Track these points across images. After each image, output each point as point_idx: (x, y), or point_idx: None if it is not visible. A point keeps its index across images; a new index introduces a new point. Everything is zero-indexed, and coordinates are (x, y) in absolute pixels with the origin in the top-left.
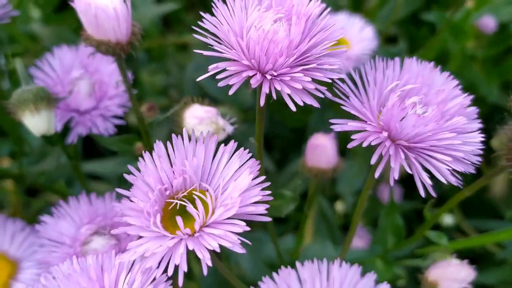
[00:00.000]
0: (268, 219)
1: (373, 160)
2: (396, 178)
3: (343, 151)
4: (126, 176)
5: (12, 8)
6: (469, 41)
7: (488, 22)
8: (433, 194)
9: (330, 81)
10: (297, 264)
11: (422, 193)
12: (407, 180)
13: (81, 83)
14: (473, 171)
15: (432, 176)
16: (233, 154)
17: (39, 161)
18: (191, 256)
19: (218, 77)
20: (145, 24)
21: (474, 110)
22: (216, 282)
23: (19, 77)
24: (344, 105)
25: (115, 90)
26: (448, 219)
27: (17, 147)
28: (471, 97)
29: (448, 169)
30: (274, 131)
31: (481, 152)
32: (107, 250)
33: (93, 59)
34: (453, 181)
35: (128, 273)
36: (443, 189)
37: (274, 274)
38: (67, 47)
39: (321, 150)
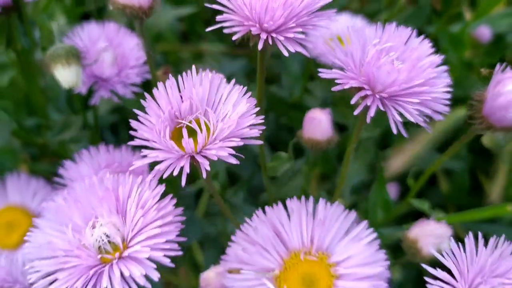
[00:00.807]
0: (261, 142)
1: (353, 101)
2: (372, 115)
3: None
4: (142, 102)
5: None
6: (467, 50)
7: (484, 32)
8: (404, 133)
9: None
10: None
11: (394, 130)
12: (403, 179)
13: (105, 54)
14: (441, 118)
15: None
16: (233, 89)
17: (60, 132)
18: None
19: (224, 24)
20: (162, 27)
21: (443, 68)
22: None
23: (54, 37)
24: (332, 59)
25: (135, 62)
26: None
27: (43, 122)
28: (443, 57)
29: (417, 112)
30: (279, 136)
31: (446, 101)
32: None
33: (117, 35)
34: (420, 121)
35: (139, 187)
36: (442, 196)
37: (266, 207)
38: (95, 22)
39: (316, 122)
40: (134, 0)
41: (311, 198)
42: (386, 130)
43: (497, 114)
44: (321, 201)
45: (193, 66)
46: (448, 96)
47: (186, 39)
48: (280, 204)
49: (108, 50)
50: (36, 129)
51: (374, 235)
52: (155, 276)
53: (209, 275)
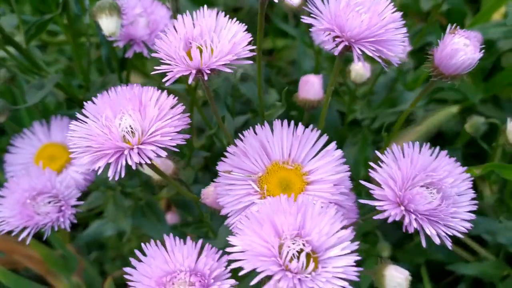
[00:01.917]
0: (251, 62)
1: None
2: (339, 52)
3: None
4: (160, 34)
5: None
6: None
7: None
8: (362, 62)
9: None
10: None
11: (356, 61)
12: None
13: (140, 18)
14: (397, 61)
15: None
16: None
17: (98, 90)
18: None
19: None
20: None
21: (402, 22)
22: None
23: None
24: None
25: (164, 27)
26: None
27: (85, 83)
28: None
29: (374, 49)
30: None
31: (403, 45)
32: None
33: (151, 5)
34: (376, 56)
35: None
36: None
37: (256, 126)
38: None
39: (310, 85)
40: None
41: (292, 122)
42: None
43: (444, 63)
44: (300, 125)
45: (205, 6)
46: (405, 41)
47: None
48: (267, 124)
49: (143, 16)
50: (78, 88)
51: (340, 152)
52: (163, 153)
53: (208, 189)
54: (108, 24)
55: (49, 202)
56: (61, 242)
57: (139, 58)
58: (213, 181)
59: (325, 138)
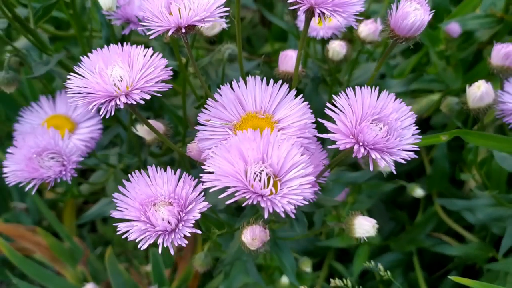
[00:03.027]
0: (223, 20)
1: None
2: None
3: None
4: None
5: None
6: (442, 45)
7: (454, 28)
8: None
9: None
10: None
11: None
12: None
13: (136, 0)
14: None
15: None
16: None
17: None
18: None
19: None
20: None
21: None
22: None
23: None
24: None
25: None
26: (419, 191)
27: None
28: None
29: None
30: None
31: (359, 7)
32: None
33: None
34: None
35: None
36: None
37: (233, 82)
38: None
39: (288, 58)
40: None
41: (264, 79)
42: None
43: (398, 25)
44: (271, 80)
45: None
46: (361, 3)
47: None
48: (241, 80)
49: None
50: None
51: (306, 103)
52: (147, 97)
53: (192, 144)
54: (105, 0)
55: (52, 158)
56: (68, 235)
57: (135, 36)
58: None
59: (293, 92)
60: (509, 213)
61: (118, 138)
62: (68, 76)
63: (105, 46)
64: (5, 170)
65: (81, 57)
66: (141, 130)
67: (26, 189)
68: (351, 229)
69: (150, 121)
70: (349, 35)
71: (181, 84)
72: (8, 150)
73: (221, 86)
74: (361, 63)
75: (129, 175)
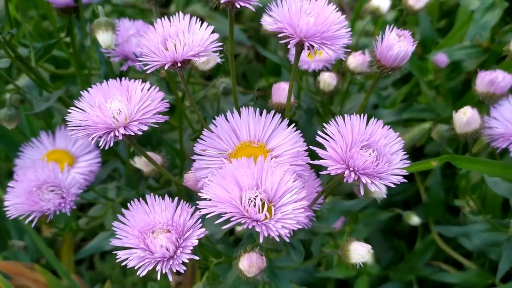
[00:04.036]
0: (217, 54)
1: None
2: (291, 46)
3: None
4: (143, 33)
5: None
6: (430, 75)
7: (442, 58)
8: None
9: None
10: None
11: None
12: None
13: (133, 38)
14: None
15: None
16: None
17: None
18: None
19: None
20: None
21: (346, 23)
22: None
23: (99, 15)
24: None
25: None
26: (415, 219)
27: None
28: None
29: (321, 44)
30: None
31: (347, 40)
32: None
33: (143, 27)
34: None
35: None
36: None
37: (227, 113)
38: (128, 20)
39: (281, 90)
40: None
41: (257, 110)
42: None
43: (384, 55)
44: (264, 111)
45: (180, 12)
46: (348, 36)
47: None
48: (235, 111)
49: (136, 36)
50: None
51: (298, 132)
52: (145, 128)
53: (189, 174)
54: (104, 38)
55: (52, 191)
56: (66, 272)
57: (133, 73)
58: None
59: (286, 121)
60: (504, 237)
61: (116, 172)
62: (69, 110)
63: (104, 81)
64: (6, 203)
65: (81, 92)
66: (139, 162)
67: (26, 221)
68: (347, 255)
69: (148, 153)
70: (340, 67)
71: (177, 119)
72: (9, 184)
73: (216, 117)
74: (353, 94)
75: (128, 204)
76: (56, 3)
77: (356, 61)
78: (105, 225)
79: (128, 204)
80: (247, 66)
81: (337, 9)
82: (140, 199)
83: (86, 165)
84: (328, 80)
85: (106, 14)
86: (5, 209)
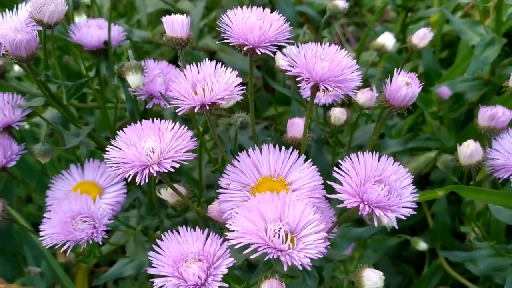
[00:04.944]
0: (241, 97)
1: (298, 79)
2: (307, 90)
3: None
4: (173, 78)
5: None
6: (434, 106)
7: (445, 90)
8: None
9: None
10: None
11: (321, 95)
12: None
13: (158, 77)
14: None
15: None
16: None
17: None
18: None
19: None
20: None
21: (356, 66)
22: None
23: (129, 58)
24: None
25: None
26: (422, 244)
27: (111, 135)
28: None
29: (336, 87)
30: None
31: (358, 83)
32: None
33: (166, 67)
34: (339, 94)
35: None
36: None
37: (249, 149)
38: (152, 60)
39: (296, 125)
40: (177, 33)
41: (277, 146)
42: None
43: (392, 96)
44: (283, 147)
45: (206, 59)
46: (359, 80)
47: None
48: (257, 148)
49: (160, 75)
50: (106, 139)
51: (315, 167)
52: (177, 165)
53: (213, 205)
54: (134, 79)
55: (85, 221)
56: None
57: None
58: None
59: (303, 157)
60: (508, 262)
61: (137, 200)
62: (106, 148)
63: (129, 116)
64: (41, 233)
65: (117, 132)
66: (164, 194)
67: (61, 250)
68: (360, 281)
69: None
70: (348, 98)
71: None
72: (45, 215)
73: (238, 153)
74: (361, 125)
75: (162, 235)
76: (88, 46)
77: (364, 97)
78: (127, 252)
79: (162, 235)
80: (256, 95)
81: (348, 54)
82: (174, 231)
83: (113, 196)
84: (338, 115)
85: (126, 49)
86: (41, 239)
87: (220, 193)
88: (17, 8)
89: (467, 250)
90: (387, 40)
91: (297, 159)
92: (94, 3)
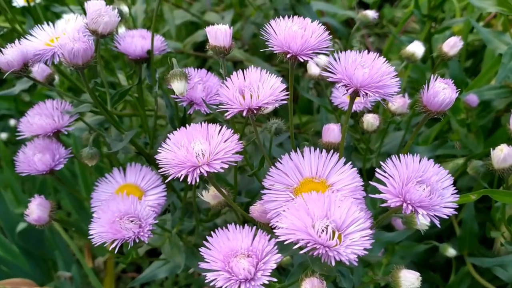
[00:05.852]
0: (286, 102)
1: (338, 86)
2: (349, 93)
3: None
4: (222, 84)
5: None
6: (462, 114)
7: (473, 98)
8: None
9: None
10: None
11: (362, 100)
12: None
13: (198, 85)
14: (392, 100)
15: None
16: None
17: None
18: None
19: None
20: None
21: (394, 73)
22: None
23: (173, 66)
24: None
25: (216, 91)
26: (451, 251)
27: (150, 141)
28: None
29: (376, 92)
30: None
31: (396, 88)
32: None
33: (206, 75)
34: (378, 98)
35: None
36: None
37: (291, 152)
38: (193, 69)
39: (331, 131)
40: (221, 43)
41: (317, 149)
42: None
43: (430, 101)
44: (323, 150)
45: (252, 66)
46: (398, 85)
47: None
48: (299, 151)
49: (200, 83)
50: (145, 145)
51: (355, 169)
52: (226, 166)
53: (255, 206)
54: (178, 87)
55: (132, 221)
56: None
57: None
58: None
59: (343, 159)
60: None
61: (171, 205)
62: (158, 150)
63: (169, 123)
64: (91, 232)
65: (168, 135)
66: (206, 196)
67: (110, 248)
68: (397, 282)
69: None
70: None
71: None
72: (94, 215)
73: (281, 156)
74: (389, 132)
75: (212, 231)
76: (132, 55)
77: (397, 103)
78: (162, 253)
79: (212, 232)
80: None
81: (386, 61)
82: (223, 228)
83: (155, 198)
84: (371, 120)
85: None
86: (90, 237)
87: (264, 194)
88: (47, 23)
89: (495, 257)
90: (416, 48)
91: (337, 161)
92: (130, 15)
